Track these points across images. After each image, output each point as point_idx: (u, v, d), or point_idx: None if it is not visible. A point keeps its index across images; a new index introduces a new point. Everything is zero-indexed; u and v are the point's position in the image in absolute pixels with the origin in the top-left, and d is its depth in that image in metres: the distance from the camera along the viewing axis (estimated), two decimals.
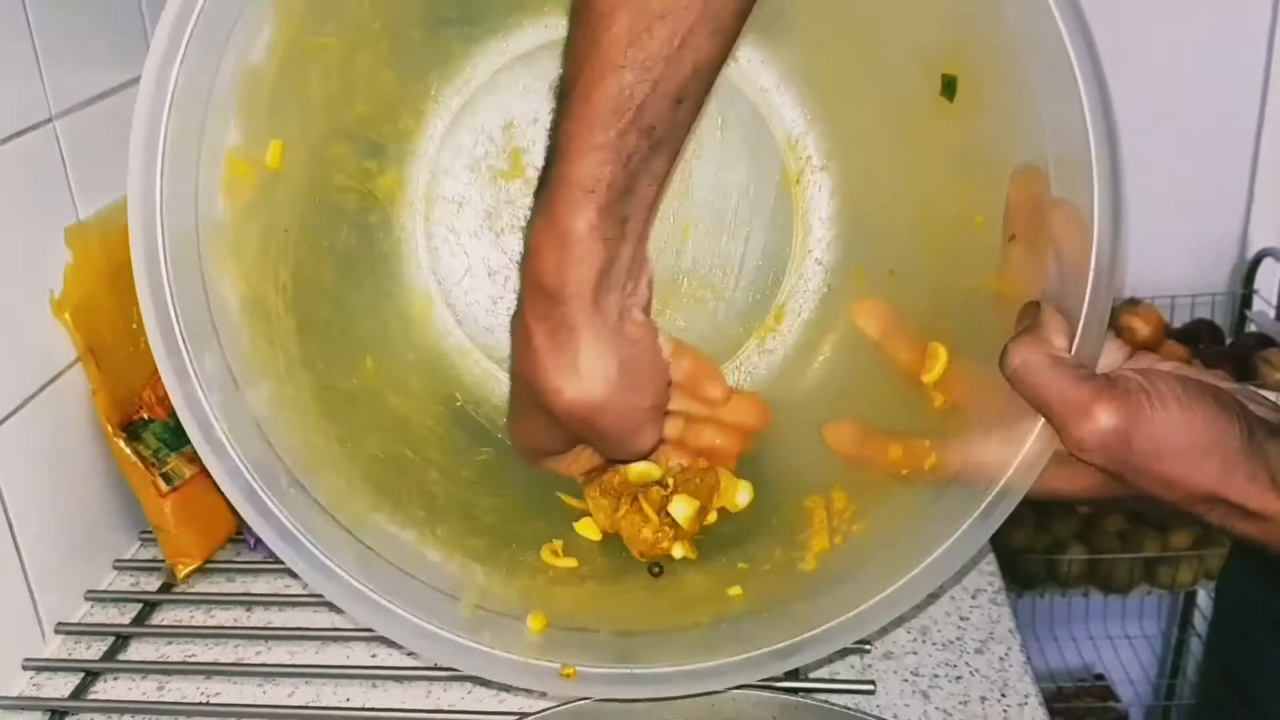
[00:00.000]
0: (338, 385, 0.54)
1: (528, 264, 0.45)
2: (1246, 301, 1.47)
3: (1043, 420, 0.44)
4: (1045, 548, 1.40)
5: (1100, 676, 1.66)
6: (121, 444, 0.66)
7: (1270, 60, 1.41)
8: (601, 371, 0.45)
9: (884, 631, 0.62)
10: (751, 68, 0.59)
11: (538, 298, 0.45)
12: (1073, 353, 0.43)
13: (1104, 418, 0.41)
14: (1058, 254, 0.45)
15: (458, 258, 0.61)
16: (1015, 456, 0.45)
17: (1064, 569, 1.40)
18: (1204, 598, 1.62)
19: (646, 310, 0.48)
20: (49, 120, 0.63)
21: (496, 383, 0.60)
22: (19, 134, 0.60)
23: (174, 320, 0.45)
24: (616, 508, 0.54)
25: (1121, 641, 1.66)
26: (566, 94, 0.43)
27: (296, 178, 0.53)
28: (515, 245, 0.57)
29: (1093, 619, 1.65)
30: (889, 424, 0.53)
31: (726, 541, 0.56)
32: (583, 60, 0.42)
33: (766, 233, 0.61)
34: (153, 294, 0.45)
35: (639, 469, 0.54)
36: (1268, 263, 1.45)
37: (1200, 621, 1.61)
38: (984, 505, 0.46)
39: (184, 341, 0.45)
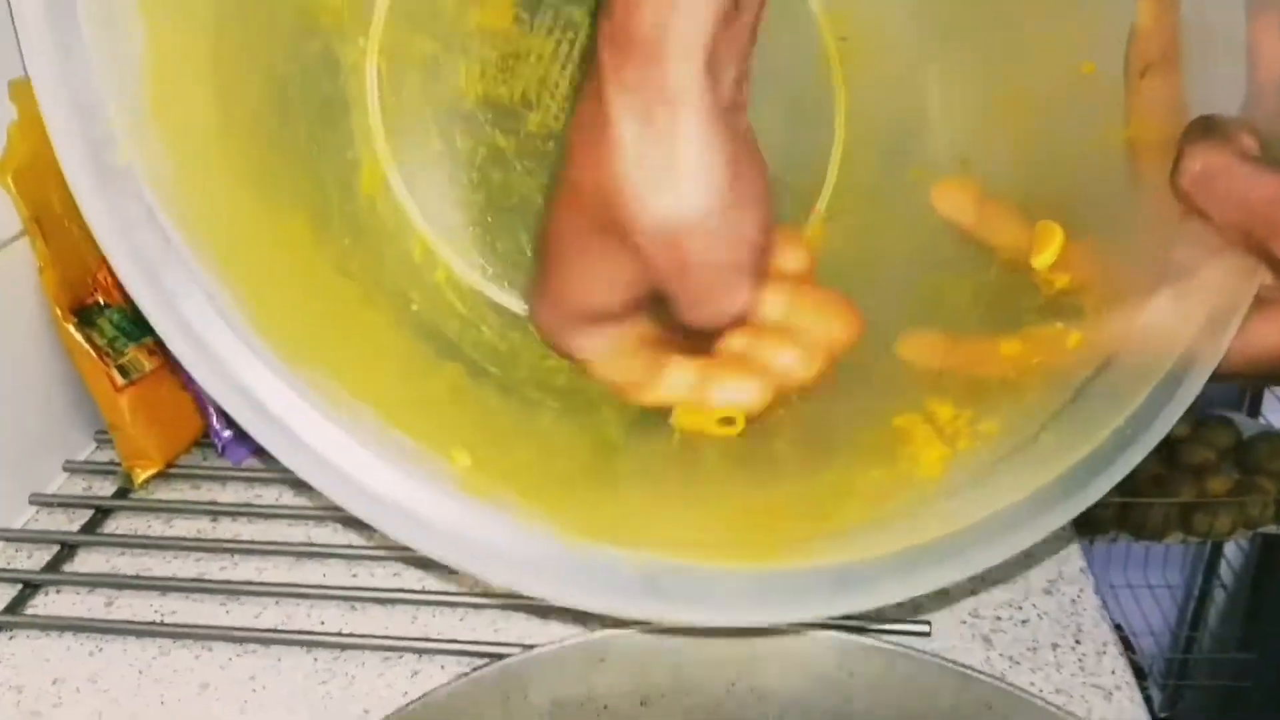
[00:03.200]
0: (265, 234, 0.44)
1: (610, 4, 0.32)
2: None
3: (1222, 262, 0.35)
4: None
5: (1119, 627, 1.60)
6: (72, 330, 0.58)
7: None
8: (708, 174, 0.32)
9: None
10: None
11: (623, 55, 0.31)
12: None
13: None
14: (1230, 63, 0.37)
15: (418, 122, 0.50)
16: (1201, 306, 0.36)
17: (1095, 512, 1.32)
18: (1232, 549, 1.56)
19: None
20: None
21: (463, 292, 0.50)
22: None
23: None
24: None
25: (1142, 591, 1.60)
26: None
27: None
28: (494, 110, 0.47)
29: (1114, 567, 1.58)
30: (986, 325, 0.45)
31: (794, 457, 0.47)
32: None
33: (806, 122, 0.52)
34: None
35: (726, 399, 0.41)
36: None
37: (1227, 572, 1.55)
38: (1169, 370, 0.37)
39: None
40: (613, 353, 0.39)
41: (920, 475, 0.43)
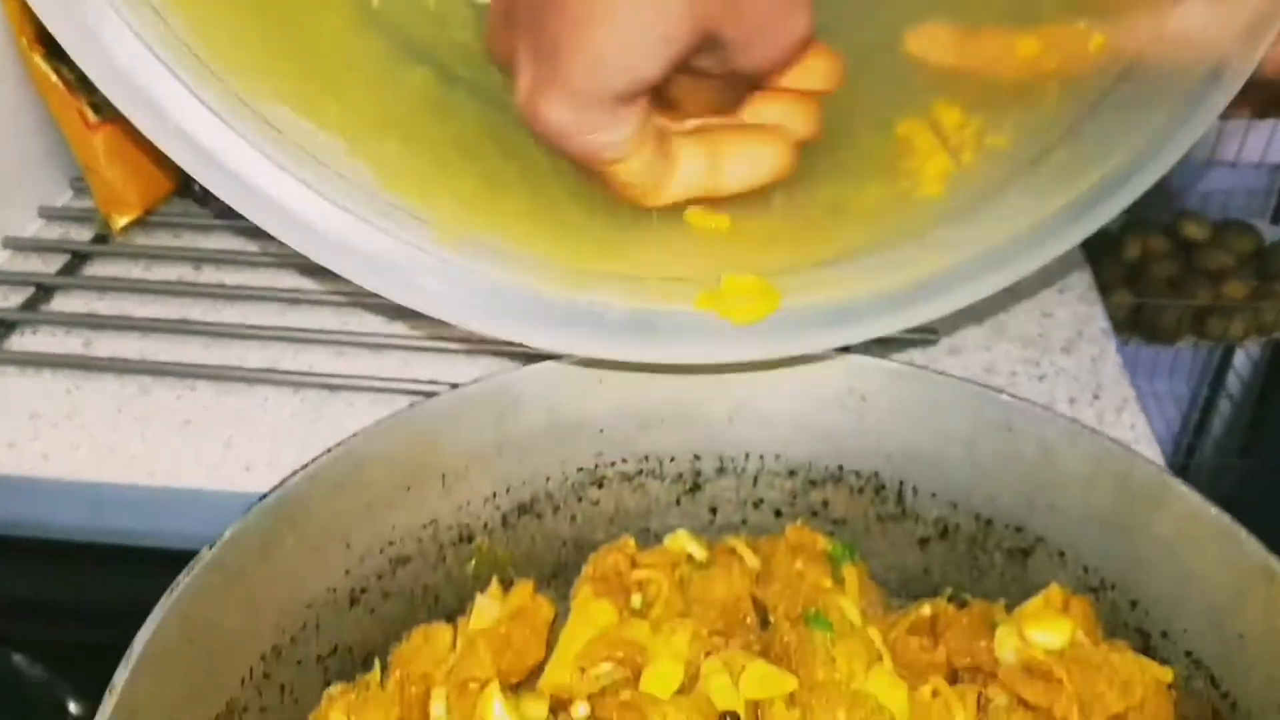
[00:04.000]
0: None
1: None
2: None
3: None
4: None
5: None
6: (39, 60, 0.54)
7: None
8: None
9: (950, 325, 0.52)
10: None
11: None
12: None
13: None
14: None
15: None
16: (1240, 8, 0.32)
17: (1108, 313, 1.30)
18: (1241, 359, 1.54)
19: None
20: None
21: None
22: None
23: None
24: None
25: (1147, 399, 1.59)
26: None
27: None
28: None
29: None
30: (1006, 22, 0.40)
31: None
32: None
33: None
34: None
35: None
36: None
37: (1235, 383, 1.54)
38: (1196, 83, 0.33)
39: None
40: (635, 143, 0.33)
41: (921, 194, 0.39)
